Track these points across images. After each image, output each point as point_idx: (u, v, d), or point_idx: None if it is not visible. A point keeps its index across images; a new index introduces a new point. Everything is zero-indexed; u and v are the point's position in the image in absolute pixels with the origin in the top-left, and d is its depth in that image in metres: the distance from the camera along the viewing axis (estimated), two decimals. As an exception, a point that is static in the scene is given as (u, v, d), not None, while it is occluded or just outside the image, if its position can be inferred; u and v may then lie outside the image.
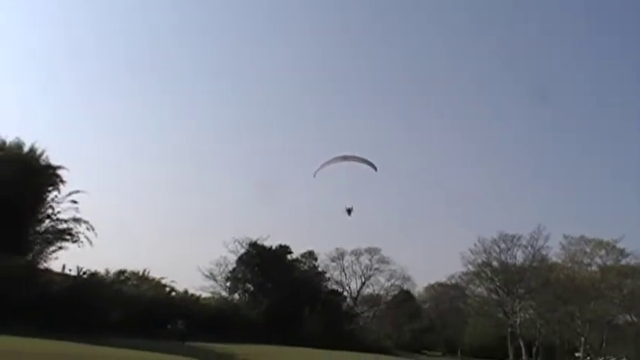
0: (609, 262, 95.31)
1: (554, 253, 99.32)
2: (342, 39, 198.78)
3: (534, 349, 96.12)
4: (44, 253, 54.56)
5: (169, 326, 56.16)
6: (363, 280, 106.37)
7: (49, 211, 54.29)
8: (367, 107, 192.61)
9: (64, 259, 56.62)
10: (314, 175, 39.20)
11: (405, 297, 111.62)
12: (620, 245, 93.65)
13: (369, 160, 39.27)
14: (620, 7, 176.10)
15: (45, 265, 54.89)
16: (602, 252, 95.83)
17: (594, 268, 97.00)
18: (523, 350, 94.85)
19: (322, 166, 38.76)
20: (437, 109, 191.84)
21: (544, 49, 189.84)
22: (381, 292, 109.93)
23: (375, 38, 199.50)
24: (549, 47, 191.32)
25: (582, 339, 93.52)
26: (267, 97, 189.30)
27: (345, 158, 38.36)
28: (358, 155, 39.60)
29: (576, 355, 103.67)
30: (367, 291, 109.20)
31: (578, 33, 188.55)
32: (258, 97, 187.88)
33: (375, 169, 39.13)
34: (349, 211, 38.49)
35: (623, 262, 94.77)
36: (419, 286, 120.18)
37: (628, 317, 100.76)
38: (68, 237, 54.58)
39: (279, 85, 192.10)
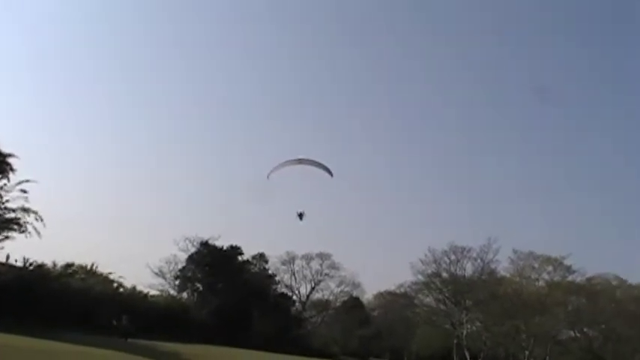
0: (556, 279, 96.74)
1: (503, 267, 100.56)
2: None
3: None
4: (-10, 242, 53.45)
5: (115, 322, 55.30)
6: (313, 284, 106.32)
7: (-3, 199, 53.18)
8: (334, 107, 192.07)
9: (9, 250, 55.75)
10: (267, 177, 38.37)
11: (354, 303, 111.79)
12: (567, 262, 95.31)
13: (326, 165, 38.54)
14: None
15: (-11, 254, 53.94)
16: (550, 268, 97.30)
17: (541, 283, 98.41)
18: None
19: (276, 168, 37.94)
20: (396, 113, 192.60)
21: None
22: (331, 298, 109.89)
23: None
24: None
25: (527, 353, 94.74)
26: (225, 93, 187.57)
27: (300, 161, 37.54)
28: (314, 159, 38.75)
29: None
30: (317, 296, 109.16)
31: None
32: (216, 93, 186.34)
33: (331, 174, 38.46)
34: (301, 215, 37.85)
35: (570, 278, 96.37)
36: (368, 293, 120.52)
37: (572, 333, 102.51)
38: (16, 227, 53.51)
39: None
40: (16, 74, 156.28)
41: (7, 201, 53.56)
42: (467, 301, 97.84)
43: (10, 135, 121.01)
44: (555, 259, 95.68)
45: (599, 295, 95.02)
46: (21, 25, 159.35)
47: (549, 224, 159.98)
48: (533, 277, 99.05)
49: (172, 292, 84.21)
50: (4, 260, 54.84)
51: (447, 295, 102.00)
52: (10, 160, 53.08)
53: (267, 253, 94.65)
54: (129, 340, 50.39)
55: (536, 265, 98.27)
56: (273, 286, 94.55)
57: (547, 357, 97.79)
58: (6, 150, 53.22)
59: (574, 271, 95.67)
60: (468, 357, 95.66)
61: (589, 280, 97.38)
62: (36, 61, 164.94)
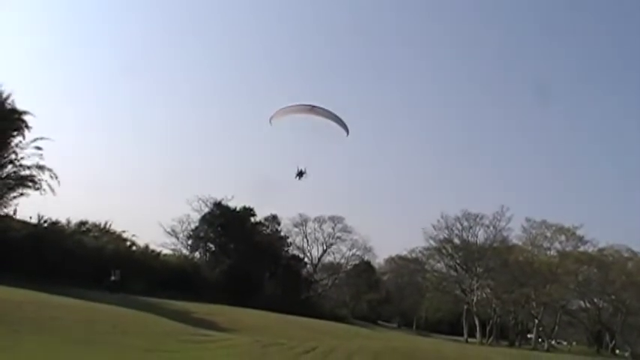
0: (568, 248, 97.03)
1: (516, 235, 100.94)
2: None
3: (488, 328, 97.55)
4: (5, 199, 54.01)
5: (113, 277, 55.51)
6: (325, 247, 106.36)
7: (12, 156, 53.55)
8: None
9: (24, 206, 56.29)
10: (270, 122, 33.57)
11: (365, 267, 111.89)
12: (579, 232, 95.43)
13: (342, 119, 33.77)
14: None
15: (5, 211, 54.43)
16: (562, 238, 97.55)
17: (553, 252, 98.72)
18: (478, 328, 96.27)
19: (281, 112, 33.21)
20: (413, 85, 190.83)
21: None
22: (342, 261, 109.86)
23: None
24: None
25: (536, 321, 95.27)
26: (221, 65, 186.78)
27: (313, 109, 32.42)
28: (330, 110, 33.73)
29: (529, 336, 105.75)
30: (328, 259, 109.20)
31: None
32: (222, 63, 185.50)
33: (347, 131, 33.81)
34: (300, 173, 32.61)
35: (582, 248, 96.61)
36: (379, 257, 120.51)
37: (582, 303, 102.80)
38: (30, 184, 53.99)
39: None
40: (34, 37, 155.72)
41: (22, 158, 54.00)
42: (478, 268, 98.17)
43: (26, 93, 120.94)
44: (568, 229, 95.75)
45: (610, 267, 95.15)
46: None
47: (563, 194, 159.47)
48: (545, 246, 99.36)
49: (185, 251, 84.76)
50: (13, 215, 55.48)
51: (458, 261, 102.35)
52: (25, 117, 53.37)
53: (279, 215, 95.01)
54: (115, 293, 49.94)
55: (548, 235, 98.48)
56: (285, 248, 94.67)
57: (556, 326, 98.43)
58: (21, 107, 53.56)
59: (586, 242, 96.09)
60: (477, 323, 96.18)
61: (601, 250, 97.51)
62: (56, 20, 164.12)
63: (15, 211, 55.58)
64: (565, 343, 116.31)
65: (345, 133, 33.50)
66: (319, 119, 32.09)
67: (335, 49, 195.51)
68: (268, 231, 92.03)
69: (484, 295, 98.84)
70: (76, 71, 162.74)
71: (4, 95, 52.52)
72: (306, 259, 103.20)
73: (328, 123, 32.47)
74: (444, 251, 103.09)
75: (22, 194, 54.48)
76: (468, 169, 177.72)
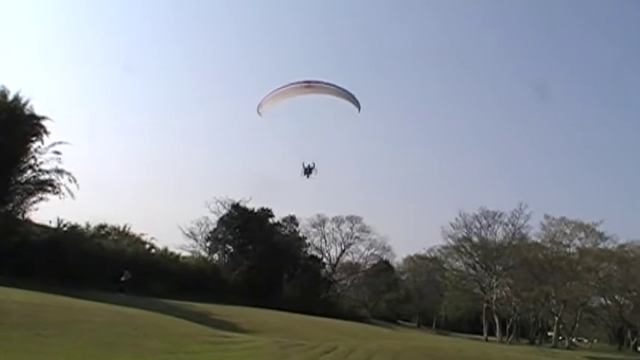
0: (588, 245, 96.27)
1: (535, 232, 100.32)
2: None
3: (508, 326, 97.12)
4: (25, 204, 54.37)
5: (123, 278, 55.71)
6: (343, 247, 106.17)
7: (32, 161, 53.96)
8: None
9: (44, 211, 56.65)
10: (258, 112, 28.31)
11: (383, 267, 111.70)
12: (599, 229, 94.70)
13: (348, 91, 27.57)
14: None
15: (25, 215, 54.82)
16: (582, 234, 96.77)
17: (573, 249, 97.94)
18: (497, 326, 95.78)
19: (272, 97, 27.47)
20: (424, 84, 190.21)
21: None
22: (360, 261, 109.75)
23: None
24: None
25: (556, 319, 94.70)
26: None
27: (309, 86, 26.63)
28: (331, 83, 27.30)
29: (549, 334, 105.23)
30: (346, 259, 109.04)
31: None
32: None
33: (358, 106, 27.81)
34: (309, 170, 27.75)
35: (602, 245, 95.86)
36: (398, 256, 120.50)
37: (602, 300, 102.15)
38: (50, 188, 54.35)
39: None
40: (50, 39, 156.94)
41: (41, 163, 54.39)
42: (497, 266, 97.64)
43: (45, 98, 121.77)
44: (587, 226, 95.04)
45: (631, 263, 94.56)
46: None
47: (582, 191, 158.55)
48: (564, 243, 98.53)
49: (203, 253, 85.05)
50: (39, 221, 55.90)
51: (477, 259, 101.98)
52: (43, 122, 53.78)
53: (297, 216, 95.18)
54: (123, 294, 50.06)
55: (567, 231, 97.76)
56: (303, 249, 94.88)
57: (576, 323, 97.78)
58: (40, 113, 53.98)
59: (606, 238, 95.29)
60: (497, 321, 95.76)
61: (621, 247, 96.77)
62: (74, 24, 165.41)
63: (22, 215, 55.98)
64: (586, 340, 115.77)
65: (356, 108, 27.96)
66: (320, 97, 26.97)
67: (343, 49, 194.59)
68: (286, 232, 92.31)
69: (504, 294, 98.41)
70: (90, 73, 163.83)
71: (23, 101, 53.01)
72: (324, 260, 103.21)
73: (332, 100, 27.25)
74: (462, 250, 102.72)
75: (41, 199, 54.90)
76: (485, 166, 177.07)
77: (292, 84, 26.90)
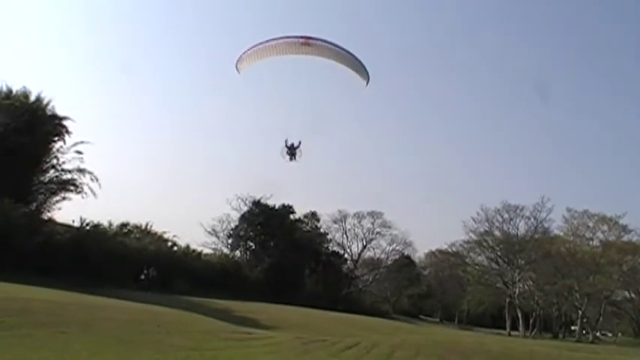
0: (611, 238, 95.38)
1: (557, 226, 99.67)
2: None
3: (532, 320, 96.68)
4: (48, 203, 55.06)
5: (144, 276, 56.07)
6: (365, 243, 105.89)
7: (54, 161, 54.71)
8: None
9: (67, 210, 57.18)
10: (236, 68, 23.91)
11: (405, 262, 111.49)
12: (622, 221, 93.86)
13: (355, 56, 22.95)
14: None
15: (48, 215, 55.38)
16: (605, 227, 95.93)
17: (596, 242, 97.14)
18: (520, 321, 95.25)
19: (258, 50, 22.65)
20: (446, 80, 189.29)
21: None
22: (382, 256, 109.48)
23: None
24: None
25: (579, 312, 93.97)
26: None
27: (307, 42, 22.18)
28: (336, 44, 22.54)
29: (572, 328, 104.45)
30: (368, 254, 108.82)
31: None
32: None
33: (367, 77, 23.43)
34: (292, 148, 23.65)
35: (625, 238, 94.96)
36: (419, 251, 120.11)
37: (626, 294, 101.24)
38: (72, 187, 54.96)
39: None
40: (71, 38, 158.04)
41: (64, 163, 55.01)
42: (519, 260, 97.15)
43: (67, 98, 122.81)
44: (610, 219, 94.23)
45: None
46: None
47: (605, 183, 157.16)
48: (587, 236, 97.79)
49: (225, 250, 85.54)
50: (62, 221, 56.34)
51: (499, 253, 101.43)
52: (65, 122, 54.31)
53: (318, 212, 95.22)
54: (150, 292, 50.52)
55: (590, 225, 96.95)
56: (325, 245, 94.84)
57: (600, 317, 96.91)
58: (62, 113, 54.53)
59: (630, 231, 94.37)
60: (520, 316, 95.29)
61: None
62: (93, 24, 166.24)
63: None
64: (610, 334, 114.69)
65: (364, 81, 23.25)
66: (321, 60, 21.98)
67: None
68: (308, 228, 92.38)
69: (526, 288, 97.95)
70: (111, 72, 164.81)
71: (45, 101, 53.57)
72: (346, 255, 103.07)
73: (335, 66, 22.49)
74: (484, 244, 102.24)
75: (64, 198, 55.47)
76: (507, 160, 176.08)
77: (287, 37, 22.65)
